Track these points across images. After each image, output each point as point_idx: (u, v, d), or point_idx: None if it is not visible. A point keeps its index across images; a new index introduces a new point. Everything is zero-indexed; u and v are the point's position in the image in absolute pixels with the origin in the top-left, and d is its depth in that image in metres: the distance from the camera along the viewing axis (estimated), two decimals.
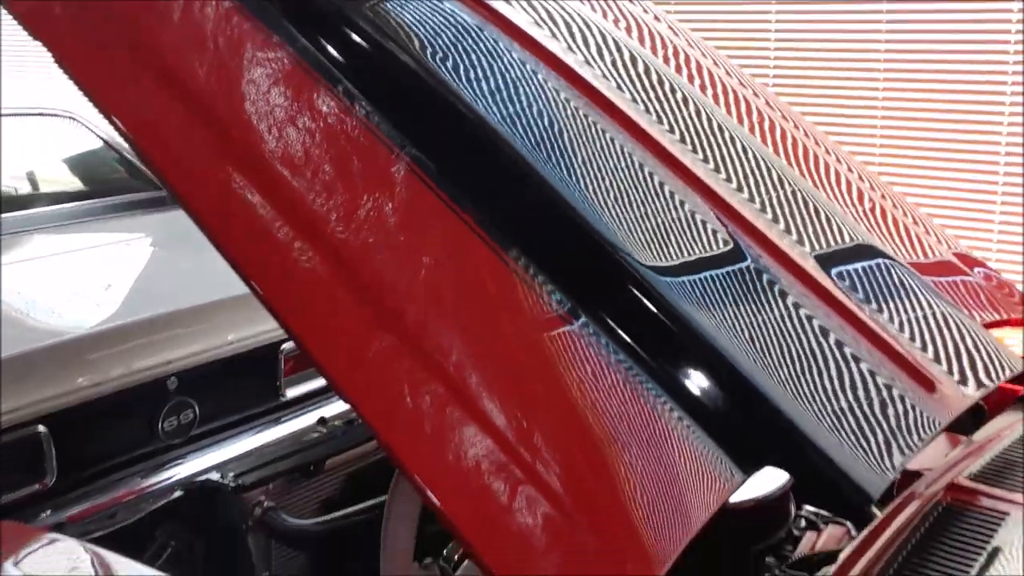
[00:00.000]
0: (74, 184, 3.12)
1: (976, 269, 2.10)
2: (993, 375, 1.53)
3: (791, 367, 1.38)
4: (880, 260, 1.76)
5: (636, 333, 1.31)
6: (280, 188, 1.24)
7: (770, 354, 1.37)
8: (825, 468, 1.25)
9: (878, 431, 1.31)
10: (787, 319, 1.45)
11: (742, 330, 1.39)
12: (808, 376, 1.37)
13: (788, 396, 1.32)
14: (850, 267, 1.67)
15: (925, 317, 1.65)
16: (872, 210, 2.04)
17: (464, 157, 1.45)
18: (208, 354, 2.26)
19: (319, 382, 2.54)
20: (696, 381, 1.31)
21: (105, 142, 3.07)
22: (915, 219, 2.14)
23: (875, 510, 1.45)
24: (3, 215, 2.66)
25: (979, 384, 1.50)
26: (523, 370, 1.21)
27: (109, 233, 2.76)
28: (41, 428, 2.00)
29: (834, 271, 1.60)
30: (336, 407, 2.40)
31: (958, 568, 1.27)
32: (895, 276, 1.73)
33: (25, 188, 3.08)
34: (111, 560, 1.40)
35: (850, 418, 1.32)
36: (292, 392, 2.46)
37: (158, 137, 1.23)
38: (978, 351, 1.58)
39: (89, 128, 3.06)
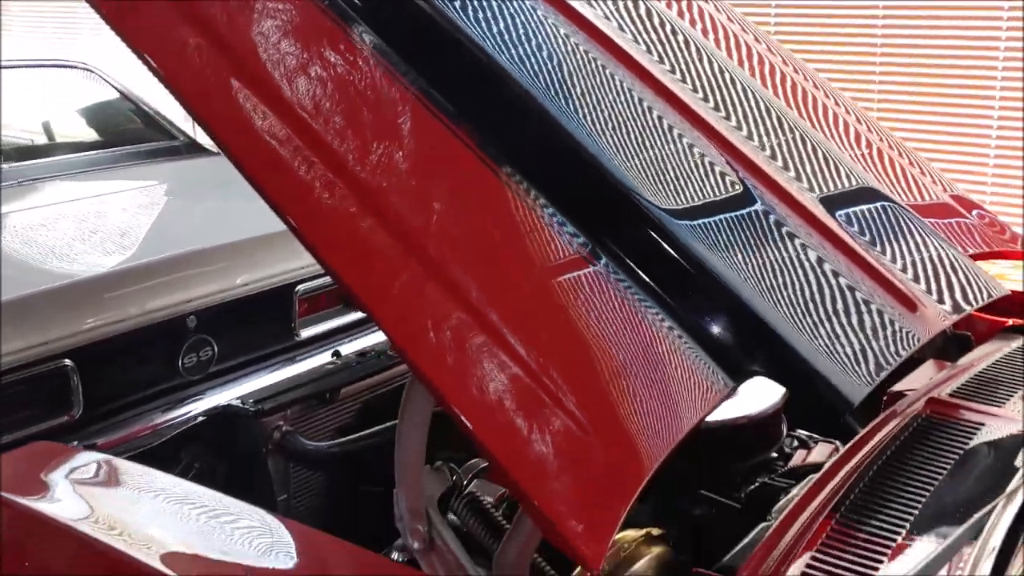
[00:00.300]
0: (90, 135, 3.18)
1: (972, 211, 2.16)
2: (974, 299, 1.61)
3: (789, 295, 1.45)
4: (880, 202, 1.82)
5: (644, 264, 1.39)
6: (305, 129, 1.30)
7: (769, 282, 1.44)
8: (811, 377, 1.33)
9: (862, 345, 1.39)
10: (789, 253, 1.52)
11: (746, 262, 1.46)
12: (802, 301, 1.44)
13: (781, 317, 1.40)
14: (852, 208, 1.73)
15: (917, 250, 1.72)
16: (872, 153, 2.10)
17: (483, 99, 1.50)
18: (225, 294, 2.35)
19: (333, 323, 2.63)
20: (694, 303, 1.39)
21: (122, 94, 3.14)
22: (912, 161, 2.20)
23: (857, 427, 1.53)
24: (23, 163, 2.74)
25: (960, 307, 1.57)
26: (538, 295, 1.28)
27: (126, 180, 2.83)
28: (67, 362, 2.09)
29: (837, 212, 1.66)
30: (350, 347, 2.49)
31: (933, 471, 1.35)
32: (893, 216, 1.79)
33: (41, 139, 3.15)
34: (147, 471, 1.50)
35: (838, 335, 1.40)
36: (306, 332, 2.55)
37: (204, 90, 1.28)
38: (962, 277, 1.66)
39: (105, 79, 3.13)
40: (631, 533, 1.40)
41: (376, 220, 1.22)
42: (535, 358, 1.18)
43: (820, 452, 1.67)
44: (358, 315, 2.70)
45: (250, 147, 1.24)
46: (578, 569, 1.36)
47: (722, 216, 1.53)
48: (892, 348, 1.40)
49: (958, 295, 1.59)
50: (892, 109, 4.60)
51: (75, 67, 3.12)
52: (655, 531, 1.41)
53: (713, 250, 1.43)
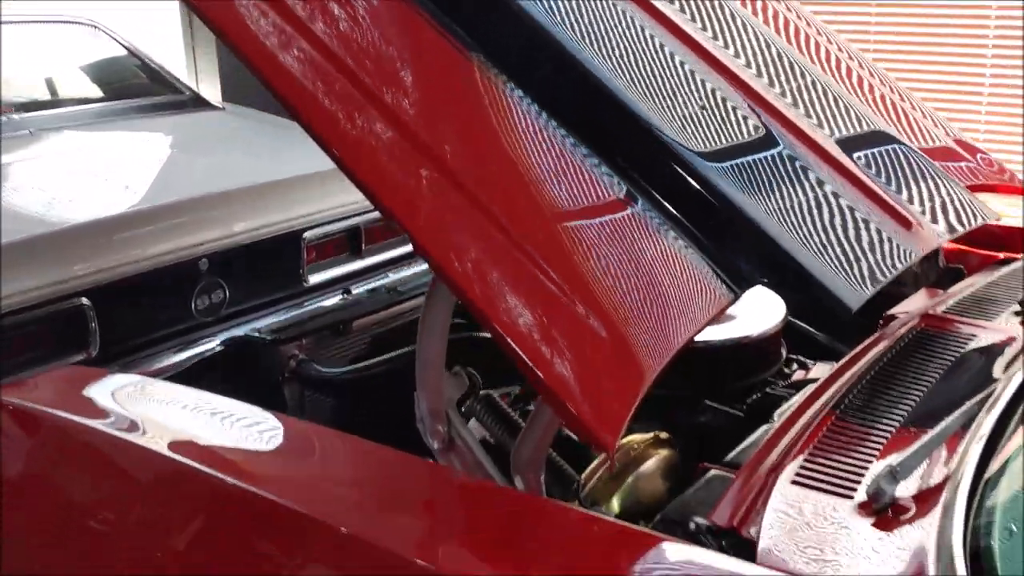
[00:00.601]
0: (96, 91, 3.22)
1: (974, 155, 2.23)
2: (966, 222, 1.67)
3: (794, 214, 1.51)
4: (888, 142, 1.88)
5: (655, 181, 1.45)
6: (340, 63, 1.33)
7: (776, 204, 1.50)
8: (812, 285, 1.39)
9: (860, 258, 1.45)
10: (796, 178, 1.58)
11: (753, 185, 1.51)
12: (806, 219, 1.51)
13: (786, 233, 1.46)
14: (862, 145, 1.79)
15: (916, 179, 1.78)
16: (877, 98, 2.16)
17: (519, 48, 1.54)
18: (235, 238, 2.41)
19: (340, 269, 2.69)
20: (701, 218, 1.45)
21: (128, 50, 3.17)
22: (914, 106, 2.27)
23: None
24: (34, 113, 2.78)
25: (953, 228, 1.64)
26: (549, 203, 1.34)
27: (134, 132, 2.88)
28: (84, 301, 2.14)
29: (848, 149, 1.72)
30: (358, 289, 2.55)
31: (927, 375, 1.42)
32: (899, 154, 1.85)
33: (45, 95, 3.18)
34: (184, 388, 1.56)
35: (837, 248, 1.46)
36: (314, 278, 2.60)
37: (248, 34, 1.32)
38: (956, 204, 1.72)
39: (111, 36, 3.16)
40: (640, 436, 1.47)
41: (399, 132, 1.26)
42: (554, 263, 1.24)
43: (819, 371, 1.73)
44: (365, 262, 2.76)
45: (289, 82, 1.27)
46: (592, 466, 1.43)
47: (732, 142, 1.59)
48: (889, 261, 1.46)
49: (952, 218, 1.66)
50: (887, 50, 4.67)
51: (81, 23, 3.15)
52: (663, 434, 1.48)
53: (723, 175, 1.48)
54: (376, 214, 2.77)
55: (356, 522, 1.17)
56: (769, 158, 1.55)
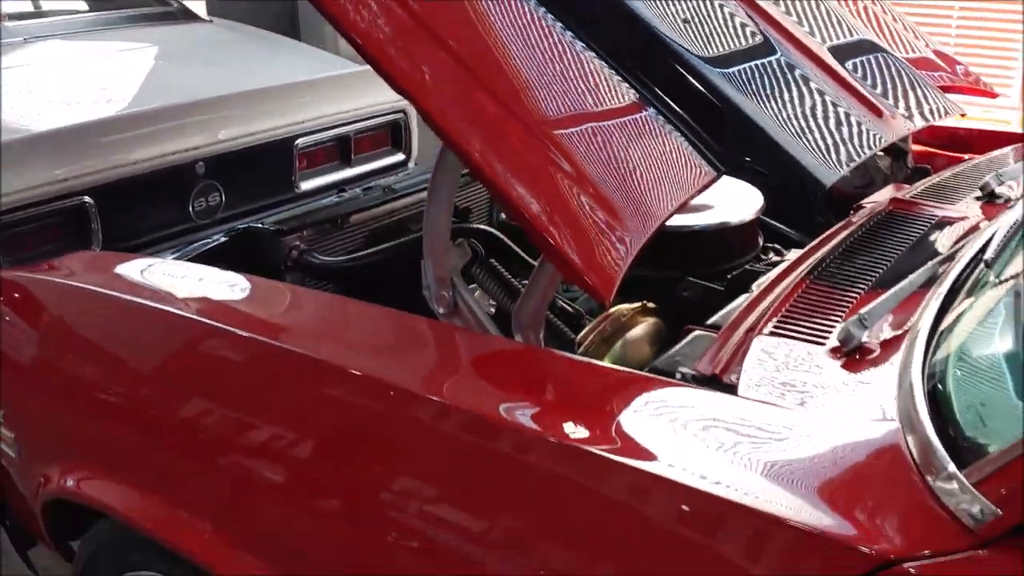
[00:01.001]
0: (82, 5, 3.23)
1: (952, 65, 2.34)
2: (933, 114, 1.78)
3: (774, 102, 1.61)
4: (874, 50, 1.98)
5: (648, 72, 1.53)
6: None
7: (757, 90, 1.60)
8: (789, 164, 1.50)
9: (837, 143, 1.56)
10: (778, 71, 1.67)
11: (738, 75, 1.61)
12: (785, 107, 1.61)
13: (767, 119, 1.56)
14: (851, 54, 1.89)
15: (891, 78, 1.89)
16: (863, 10, 2.26)
17: None
18: (230, 143, 2.48)
19: (330, 177, 2.77)
20: (689, 104, 1.55)
21: None
22: (895, 18, 2.37)
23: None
24: (27, 21, 2.81)
25: (923, 118, 1.75)
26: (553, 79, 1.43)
27: (127, 41, 2.91)
28: (87, 199, 2.21)
29: (838, 55, 1.82)
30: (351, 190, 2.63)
31: (894, 247, 1.54)
32: (881, 59, 1.95)
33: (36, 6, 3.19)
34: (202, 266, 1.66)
35: (815, 133, 1.57)
36: (305, 185, 2.69)
37: None
38: (927, 100, 1.83)
39: None
40: (629, 305, 1.58)
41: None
42: (557, 143, 1.34)
43: (794, 256, 1.85)
44: (355, 171, 2.84)
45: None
46: (585, 330, 1.54)
47: (729, 47, 1.68)
48: (860, 145, 1.57)
49: (923, 111, 1.77)
50: None
51: None
52: (650, 304, 1.59)
53: (718, 74, 1.58)
54: (365, 124, 2.85)
55: (367, 365, 1.28)
56: (764, 64, 1.66)
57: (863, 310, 1.27)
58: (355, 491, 1.24)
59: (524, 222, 1.25)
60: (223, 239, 1.98)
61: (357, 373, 1.26)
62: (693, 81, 1.54)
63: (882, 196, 1.92)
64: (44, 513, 1.67)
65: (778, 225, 1.95)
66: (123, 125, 2.32)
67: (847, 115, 1.61)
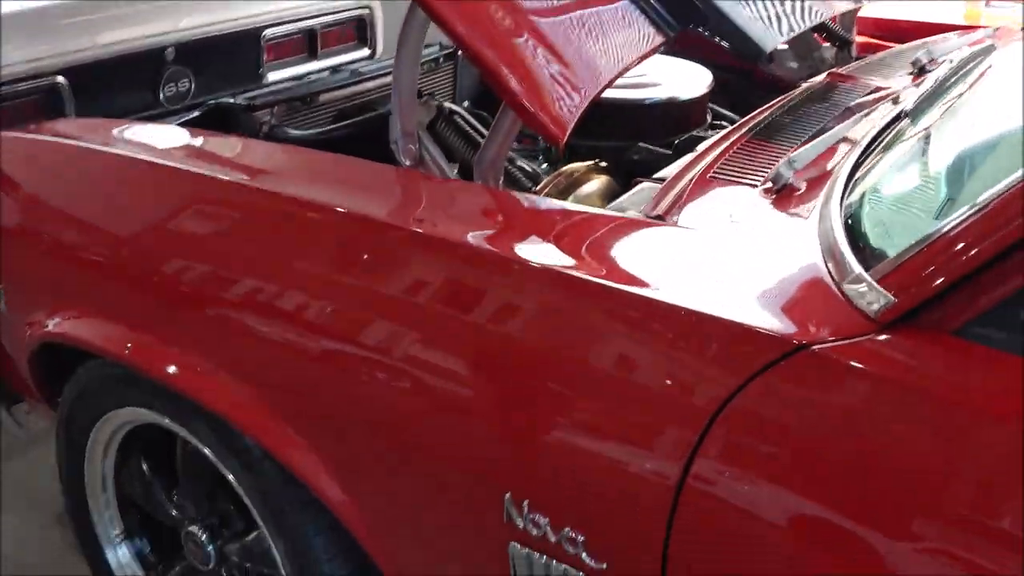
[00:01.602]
0: None
1: None
2: None
3: None
4: None
5: None
6: None
7: None
8: (734, 30, 1.61)
9: (778, 14, 1.68)
10: None
11: None
12: None
13: None
14: None
15: None
16: None
17: None
18: (199, 31, 2.54)
19: (296, 70, 2.84)
20: None
21: None
22: None
23: None
24: None
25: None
26: None
27: None
28: (60, 79, 2.27)
29: None
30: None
31: (827, 113, 1.67)
32: None
33: None
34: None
35: (761, 6, 1.68)
36: (273, 76, 2.76)
37: None
38: None
39: None
40: (581, 163, 1.70)
41: None
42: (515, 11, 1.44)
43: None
44: (320, 64, 2.91)
45: None
46: (540, 184, 1.66)
47: None
48: (801, 18, 1.69)
49: None
50: None
51: None
52: (602, 163, 1.71)
53: None
54: (332, 18, 2.92)
55: (350, 204, 1.39)
56: None
57: (792, 154, 1.40)
58: (335, 322, 1.34)
59: (487, 71, 1.35)
60: (197, 114, 2.06)
61: (341, 211, 1.36)
62: None
63: (822, 78, 2.04)
64: (32, 362, 1.76)
65: (726, 112, 2.08)
66: (93, 7, 2.38)
67: None
